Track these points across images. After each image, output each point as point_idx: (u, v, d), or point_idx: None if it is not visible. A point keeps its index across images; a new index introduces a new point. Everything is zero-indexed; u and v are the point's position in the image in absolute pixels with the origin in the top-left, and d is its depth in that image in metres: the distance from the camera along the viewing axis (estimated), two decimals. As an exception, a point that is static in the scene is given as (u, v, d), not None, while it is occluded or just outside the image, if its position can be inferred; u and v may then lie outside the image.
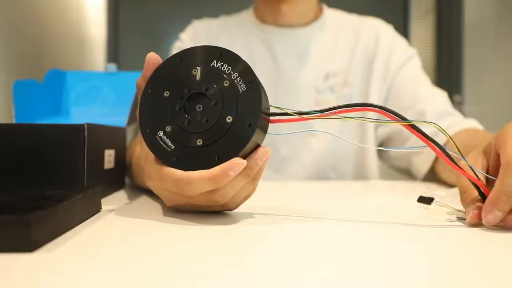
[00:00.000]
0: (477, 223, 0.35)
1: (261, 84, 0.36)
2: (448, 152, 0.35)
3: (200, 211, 0.39)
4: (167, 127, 0.36)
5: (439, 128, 0.35)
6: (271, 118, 0.37)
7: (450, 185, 0.64)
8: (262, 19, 0.88)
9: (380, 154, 0.87)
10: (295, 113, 0.36)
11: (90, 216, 0.38)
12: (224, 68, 0.36)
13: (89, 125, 0.45)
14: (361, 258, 0.27)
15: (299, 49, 0.85)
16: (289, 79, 0.84)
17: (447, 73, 2.17)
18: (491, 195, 0.34)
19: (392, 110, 0.35)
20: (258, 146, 0.36)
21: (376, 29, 0.88)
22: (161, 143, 0.36)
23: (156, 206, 0.44)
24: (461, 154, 0.35)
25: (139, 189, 0.57)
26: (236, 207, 0.39)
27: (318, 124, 0.77)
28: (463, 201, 0.38)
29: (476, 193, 0.36)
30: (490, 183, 0.36)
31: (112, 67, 0.75)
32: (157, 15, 2.04)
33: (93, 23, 1.84)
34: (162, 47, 1.68)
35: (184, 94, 0.37)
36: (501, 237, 0.32)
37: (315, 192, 0.64)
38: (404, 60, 0.85)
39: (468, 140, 0.65)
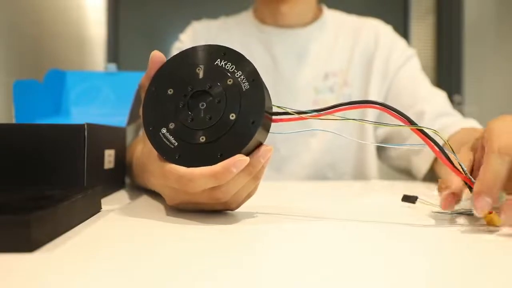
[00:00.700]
0: (450, 206, 0.37)
1: (264, 83, 0.36)
2: (446, 152, 0.35)
3: (201, 210, 0.39)
4: (170, 124, 0.36)
5: (435, 132, 0.36)
6: (273, 117, 0.37)
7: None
8: (261, 19, 0.88)
9: (380, 154, 0.87)
10: (296, 112, 0.36)
11: (90, 216, 0.38)
12: (227, 66, 0.36)
13: (89, 125, 0.45)
14: (362, 258, 0.27)
15: (299, 49, 0.85)
16: (288, 79, 0.84)
17: (447, 73, 2.17)
18: (476, 184, 0.34)
19: (392, 107, 0.36)
20: (260, 144, 0.36)
21: (376, 30, 0.88)
22: (164, 140, 0.36)
23: (156, 206, 0.44)
24: (453, 151, 0.36)
25: (140, 189, 0.57)
26: (237, 207, 0.39)
27: (317, 123, 0.77)
28: (438, 189, 0.39)
29: (453, 182, 0.37)
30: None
31: (112, 67, 0.75)
32: (157, 15, 2.04)
33: (93, 23, 1.84)
34: (162, 47, 1.67)
35: (188, 92, 0.37)
36: (501, 237, 0.32)
37: (315, 192, 0.64)
38: (403, 60, 0.85)
39: (466, 138, 0.65)
